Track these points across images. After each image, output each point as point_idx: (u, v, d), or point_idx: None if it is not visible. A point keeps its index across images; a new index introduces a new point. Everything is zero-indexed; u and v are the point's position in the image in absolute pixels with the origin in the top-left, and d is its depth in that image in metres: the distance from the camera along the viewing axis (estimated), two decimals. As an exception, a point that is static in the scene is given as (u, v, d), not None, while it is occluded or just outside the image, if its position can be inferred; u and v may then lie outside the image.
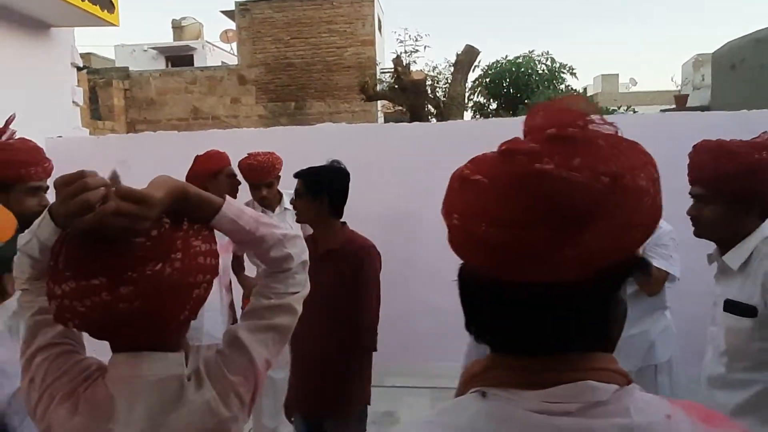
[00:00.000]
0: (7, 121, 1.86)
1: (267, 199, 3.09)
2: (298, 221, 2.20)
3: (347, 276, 2.03)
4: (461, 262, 0.69)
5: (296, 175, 2.15)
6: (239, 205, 0.95)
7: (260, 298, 0.97)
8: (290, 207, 3.19)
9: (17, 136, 1.88)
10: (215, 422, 0.85)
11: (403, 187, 4.05)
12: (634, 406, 0.60)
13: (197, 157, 2.87)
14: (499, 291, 0.62)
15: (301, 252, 1.00)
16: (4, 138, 1.83)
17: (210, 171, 2.79)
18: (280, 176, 3.12)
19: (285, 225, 3.09)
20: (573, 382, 0.60)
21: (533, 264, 0.59)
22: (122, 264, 0.78)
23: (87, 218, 0.79)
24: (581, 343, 0.63)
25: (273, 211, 3.13)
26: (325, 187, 2.07)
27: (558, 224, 0.57)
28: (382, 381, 4.07)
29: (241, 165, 3.03)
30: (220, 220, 0.91)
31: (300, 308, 1.00)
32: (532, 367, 0.62)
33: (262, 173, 3.01)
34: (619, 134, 0.64)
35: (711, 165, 1.64)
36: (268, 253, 0.96)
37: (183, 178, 3.04)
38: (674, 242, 2.32)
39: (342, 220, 2.19)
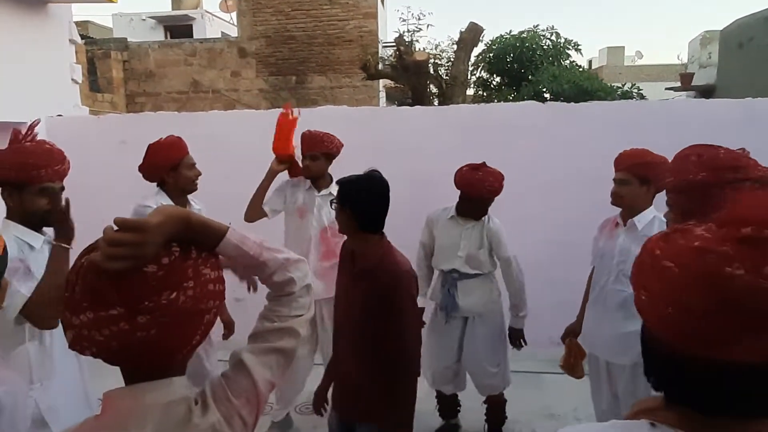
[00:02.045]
0: (30, 125, 1.90)
1: (310, 171, 3.13)
2: (339, 231, 2.12)
3: (376, 300, 1.91)
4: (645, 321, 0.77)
5: (337, 182, 2.08)
6: (242, 231, 0.97)
7: (264, 321, 0.99)
8: (335, 193, 3.23)
9: (19, 120, 1.91)
10: None
11: (404, 171, 4.03)
12: None
13: (151, 147, 2.63)
14: (677, 357, 0.70)
15: (303, 276, 1.01)
16: (27, 140, 1.87)
17: (170, 163, 2.60)
18: (329, 155, 3.16)
19: (326, 208, 3.11)
20: None
21: (710, 347, 0.66)
22: (139, 294, 0.81)
23: (91, 258, 0.82)
24: (754, 409, 0.69)
25: (319, 190, 3.18)
26: (349, 199, 1.98)
27: (739, 322, 0.63)
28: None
29: (302, 135, 3.13)
30: (225, 246, 0.92)
31: (303, 331, 1.01)
32: (704, 421, 0.70)
33: (310, 143, 3.08)
34: None
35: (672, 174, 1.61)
36: (272, 278, 0.98)
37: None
38: None
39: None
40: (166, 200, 2.57)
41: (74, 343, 0.85)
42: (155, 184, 2.68)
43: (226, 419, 0.89)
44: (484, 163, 2.86)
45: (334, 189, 3.23)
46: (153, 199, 2.55)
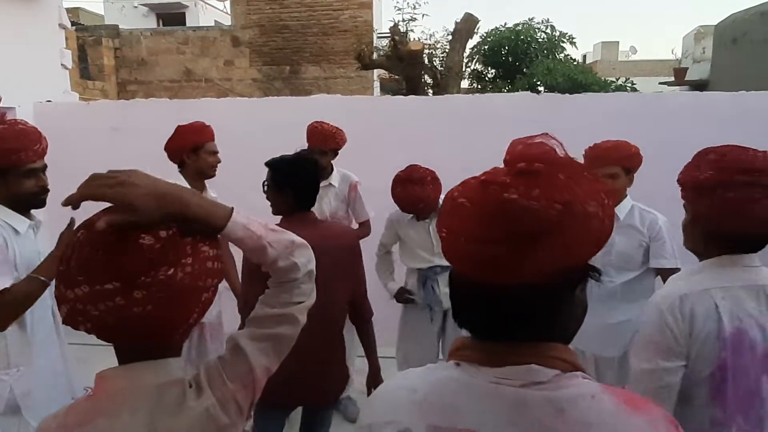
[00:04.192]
0: None
1: (318, 166, 3.13)
2: (273, 213, 2.16)
3: None
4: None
5: (266, 164, 2.11)
6: (244, 212, 0.94)
7: (264, 306, 0.97)
8: (335, 184, 3.25)
9: (7, 104, 1.86)
10: (215, 428, 0.87)
11: (398, 160, 4.02)
12: (567, 387, 0.75)
13: (179, 128, 2.74)
14: (474, 289, 0.79)
15: (307, 261, 0.98)
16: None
17: (192, 144, 2.67)
18: (337, 152, 3.21)
19: (326, 198, 3.15)
20: (521, 365, 0.76)
21: (499, 270, 0.75)
22: (135, 268, 0.79)
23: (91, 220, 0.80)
24: (537, 333, 0.78)
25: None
26: (289, 180, 2.03)
27: (518, 241, 0.73)
28: (373, 351, 4.15)
29: (308, 128, 3.15)
30: (233, 227, 0.88)
31: (303, 318, 0.99)
32: (492, 350, 0.79)
33: (322, 139, 3.10)
34: (581, 170, 0.78)
35: (685, 171, 1.51)
36: (277, 262, 0.95)
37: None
38: (668, 232, 2.37)
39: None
40: (183, 183, 2.62)
41: (68, 318, 0.83)
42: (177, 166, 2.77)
43: (220, 403, 0.88)
44: (409, 170, 2.75)
45: (334, 180, 3.27)
46: None
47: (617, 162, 2.37)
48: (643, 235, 2.35)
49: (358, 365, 3.90)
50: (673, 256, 2.35)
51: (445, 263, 2.79)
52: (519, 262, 0.73)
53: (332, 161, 3.25)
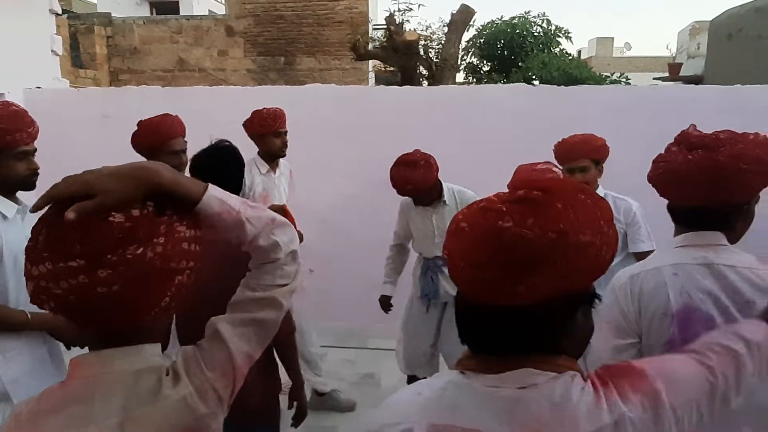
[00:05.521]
0: None
1: (286, 148, 3.07)
2: None
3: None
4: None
5: None
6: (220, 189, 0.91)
7: (245, 290, 0.93)
8: (284, 171, 3.22)
9: (-2, 92, 1.82)
10: (192, 418, 0.84)
11: (393, 150, 4.00)
12: (560, 384, 0.80)
13: (140, 124, 2.45)
14: (473, 308, 0.84)
15: (289, 241, 0.94)
16: None
17: (147, 149, 2.41)
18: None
19: (282, 187, 3.09)
20: (518, 369, 0.81)
21: (494, 293, 0.79)
22: (101, 246, 0.75)
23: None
24: (535, 349, 0.82)
25: (275, 171, 3.16)
26: (209, 174, 1.77)
27: (513, 267, 0.76)
28: (365, 343, 4.14)
29: (253, 118, 3.00)
30: (209, 200, 0.85)
31: (287, 303, 0.95)
32: (492, 361, 0.84)
33: (281, 119, 3.01)
34: (582, 197, 0.80)
35: None
36: (257, 240, 0.90)
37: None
38: (642, 216, 2.48)
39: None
40: None
41: (33, 296, 0.79)
42: None
43: (198, 392, 0.84)
44: (408, 153, 2.74)
45: (285, 167, 3.22)
46: None
47: (586, 155, 2.47)
48: (620, 222, 2.45)
49: (350, 356, 3.91)
50: (648, 238, 2.45)
51: None
52: (513, 287, 0.77)
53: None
